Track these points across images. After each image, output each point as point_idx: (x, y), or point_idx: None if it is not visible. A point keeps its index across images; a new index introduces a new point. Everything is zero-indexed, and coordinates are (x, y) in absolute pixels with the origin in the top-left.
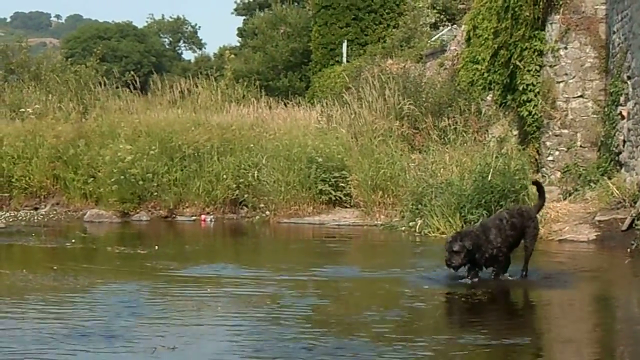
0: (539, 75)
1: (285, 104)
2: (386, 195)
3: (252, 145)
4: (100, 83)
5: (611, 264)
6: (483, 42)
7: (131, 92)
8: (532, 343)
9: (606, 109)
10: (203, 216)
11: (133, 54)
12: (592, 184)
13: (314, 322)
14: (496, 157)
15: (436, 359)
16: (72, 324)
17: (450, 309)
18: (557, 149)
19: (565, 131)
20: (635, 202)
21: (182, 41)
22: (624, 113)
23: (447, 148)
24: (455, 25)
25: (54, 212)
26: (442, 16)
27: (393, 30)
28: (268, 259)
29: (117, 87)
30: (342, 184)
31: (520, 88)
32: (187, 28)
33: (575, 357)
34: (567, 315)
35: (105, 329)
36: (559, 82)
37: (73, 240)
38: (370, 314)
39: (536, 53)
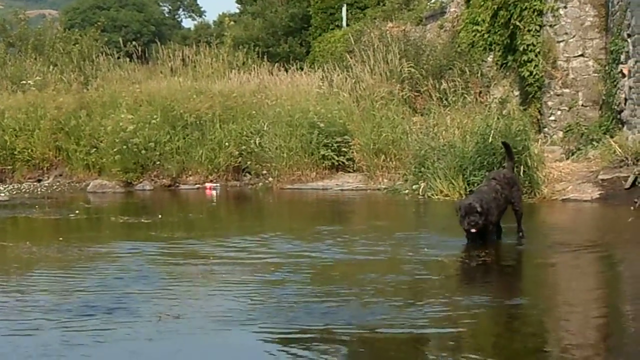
0: (539, 35)
1: (286, 70)
2: (389, 159)
3: (253, 112)
4: (102, 53)
5: (615, 222)
6: (482, 2)
7: (132, 61)
8: (536, 304)
9: (607, 68)
10: (208, 185)
11: (132, 23)
12: (594, 142)
13: (319, 286)
14: (497, 118)
15: (441, 320)
16: (76, 294)
17: (454, 271)
18: (558, 109)
19: (567, 90)
20: (638, 160)
21: (181, 9)
22: (625, 71)
23: (448, 110)
24: None
25: (57, 183)
26: None
27: None
28: (272, 225)
29: (118, 57)
30: (345, 149)
31: (521, 48)
32: None
33: (580, 317)
34: (572, 276)
35: (110, 299)
36: (559, 42)
37: (77, 211)
38: (374, 277)
39: (536, 13)
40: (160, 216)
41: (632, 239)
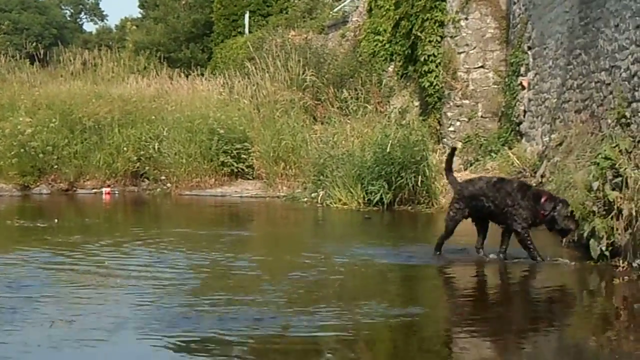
0: (440, 46)
1: (187, 76)
2: (288, 167)
3: (153, 117)
4: (1, 54)
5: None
6: (385, 13)
7: (33, 64)
8: (432, 312)
9: (507, 80)
10: (105, 189)
11: (34, 26)
12: (493, 154)
13: (215, 293)
14: (396, 128)
15: (339, 327)
16: None
17: (350, 279)
18: (458, 120)
19: (466, 102)
20: (535, 172)
21: (83, 13)
22: (525, 83)
23: (348, 119)
24: None
25: None
26: None
27: (295, 1)
28: (168, 231)
29: (18, 59)
30: (244, 156)
31: (422, 59)
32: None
33: (476, 324)
34: (465, 284)
35: (3, 303)
36: (459, 53)
37: None
38: (271, 284)
39: (437, 24)
40: (56, 220)
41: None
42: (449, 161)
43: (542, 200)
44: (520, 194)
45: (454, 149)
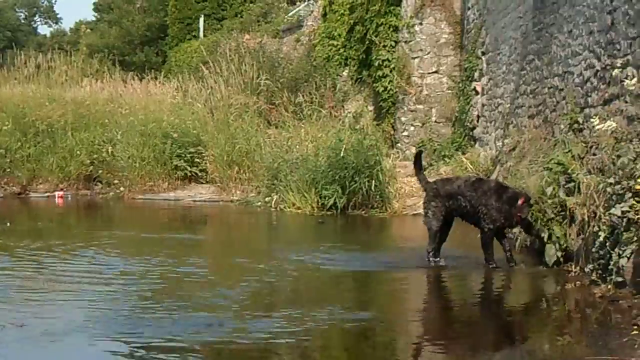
0: (394, 51)
1: (141, 79)
2: (242, 171)
3: (106, 120)
4: None
5: (462, 238)
6: (339, 17)
7: None
8: (385, 317)
9: (460, 85)
10: (58, 193)
11: None
12: (446, 158)
13: (168, 298)
14: (350, 133)
15: (292, 333)
16: None
17: (304, 284)
18: (412, 124)
19: (420, 106)
20: (488, 177)
21: (37, 15)
22: (478, 88)
23: (302, 123)
24: (312, 1)
25: None
26: None
27: (250, 5)
28: (120, 235)
29: None
30: (198, 160)
31: (376, 64)
32: (42, 2)
33: (421, 328)
34: (419, 289)
35: None
36: (414, 58)
37: None
38: (224, 288)
39: (391, 29)
40: (8, 224)
41: (478, 255)
42: (418, 162)
43: (520, 202)
44: (496, 196)
45: (420, 152)
